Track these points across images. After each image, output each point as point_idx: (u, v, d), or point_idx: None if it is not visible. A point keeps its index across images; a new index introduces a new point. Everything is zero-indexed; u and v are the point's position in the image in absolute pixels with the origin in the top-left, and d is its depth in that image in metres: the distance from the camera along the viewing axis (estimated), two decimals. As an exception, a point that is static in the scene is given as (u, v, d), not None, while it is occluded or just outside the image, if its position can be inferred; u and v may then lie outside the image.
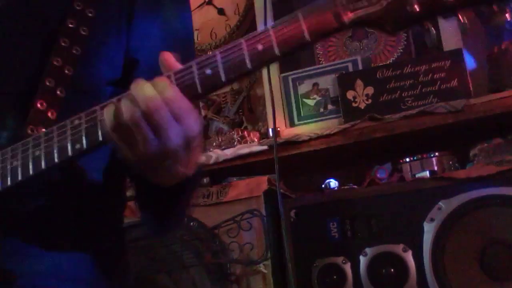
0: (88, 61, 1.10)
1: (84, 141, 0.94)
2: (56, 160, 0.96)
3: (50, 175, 1.02)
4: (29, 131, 1.03)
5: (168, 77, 0.90)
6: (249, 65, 0.88)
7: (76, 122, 0.95)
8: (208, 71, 0.89)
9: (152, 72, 0.92)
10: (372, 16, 0.86)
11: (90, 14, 1.12)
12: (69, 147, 0.95)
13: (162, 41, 1.16)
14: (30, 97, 1.05)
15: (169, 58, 0.91)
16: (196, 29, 2.86)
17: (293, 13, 0.88)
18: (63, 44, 1.09)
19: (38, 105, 1.05)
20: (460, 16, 0.85)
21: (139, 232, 2.09)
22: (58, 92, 1.07)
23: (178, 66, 0.91)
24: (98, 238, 1.14)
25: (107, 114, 0.89)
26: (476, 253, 1.81)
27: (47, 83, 1.06)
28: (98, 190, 1.14)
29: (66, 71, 1.08)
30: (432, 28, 0.89)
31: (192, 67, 0.90)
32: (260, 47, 0.88)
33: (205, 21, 2.85)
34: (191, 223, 2.08)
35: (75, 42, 1.09)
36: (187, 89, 0.89)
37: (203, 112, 2.72)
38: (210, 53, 0.92)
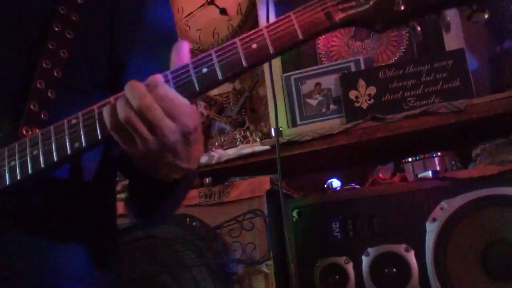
0: (75, 63, 1.12)
1: (83, 140, 0.95)
2: (55, 159, 0.97)
3: (45, 175, 1.03)
4: (24, 132, 1.04)
5: (165, 76, 0.92)
6: (244, 63, 0.91)
7: (74, 121, 0.97)
8: (205, 70, 0.92)
9: (140, 74, 0.94)
10: (361, 15, 0.89)
11: (74, 18, 1.14)
12: (68, 146, 0.96)
13: (146, 43, 1.18)
14: (22, 99, 1.07)
15: (183, 48, 0.93)
16: (198, 29, 2.86)
17: (287, 13, 0.92)
18: (50, 47, 1.10)
19: (31, 107, 1.06)
20: (443, 15, 0.88)
21: (141, 232, 2.10)
22: (49, 94, 1.08)
23: (189, 57, 0.93)
24: (93, 234, 1.15)
25: (105, 114, 0.92)
26: (478, 253, 1.81)
27: (38, 85, 1.08)
28: (92, 188, 1.15)
29: (55, 73, 1.09)
30: (418, 27, 0.93)
31: (188, 66, 0.93)
32: (254, 45, 0.91)
33: (207, 21, 2.85)
34: (194, 223, 2.08)
35: (62, 46, 1.11)
36: (185, 87, 0.92)
37: (205, 112, 2.72)
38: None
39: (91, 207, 1.16)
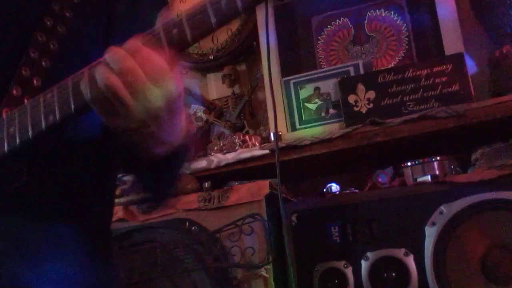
0: (65, 57, 1.11)
1: (57, 113, 0.93)
2: (29, 134, 0.96)
3: (35, 158, 1.02)
4: (3, 114, 1.03)
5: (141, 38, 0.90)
6: (213, 20, 0.88)
7: (49, 95, 0.95)
8: (174, 31, 0.89)
9: None
10: None
11: (68, 15, 1.13)
12: (42, 120, 0.95)
13: None
14: (6, 85, 1.06)
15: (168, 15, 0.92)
16: (197, 34, 2.86)
17: None
18: (39, 38, 1.10)
19: (14, 92, 1.05)
20: None
21: (140, 236, 2.10)
22: (35, 82, 1.07)
23: None
24: (82, 238, 1.14)
25: (82, 85, 0.89)
26: (478, 258, 1.81)
27: (23, 72, 1.07)
28: (86, 188, 1.14)
29: (43, 63, 1.09)
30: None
31: (159, 29, 0.90)
32: (223, 1, 0.88)
33: (206, 26, 2.85)
34: (193, 227, 2.08)
35: (52, 38, 1.10)
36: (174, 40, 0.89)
37: (204, 116, 2.72)
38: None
39: (83, 207, 1.15)
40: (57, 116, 0.93)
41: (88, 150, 1.13)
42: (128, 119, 0.88)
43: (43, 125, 0.95)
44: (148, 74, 0.86)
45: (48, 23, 1.11)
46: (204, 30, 0.90)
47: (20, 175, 1.04)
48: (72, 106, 0.92)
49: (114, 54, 0.87)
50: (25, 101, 1.04)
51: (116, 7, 1.18)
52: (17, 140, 0.97)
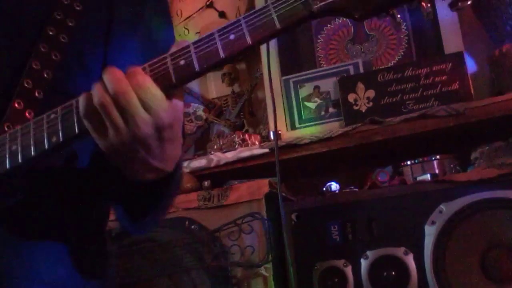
0: (67, 67, 1.11)
1: (60, 134, 0.94)
2: (32, 153, 0.96)
3: (32, 175, 1.02)
4: (6, 129, 1.03)
5: (143, 69, 0.91)
6: (222, 54, 0.90)
7: (52, 116, 0.96)
8: (182, 62, 0.91)
9: None
10: (340, 3, 0.88)
11: (70, 24, 1.13)
12: (45, 140, 0.95)
13: (141, 54, 1.15)
14: (8, 97, 1.06)
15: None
16: (197, 32, 2.86)
17: (265, 4, 0.91)
18: (42, 49, 1.10)
19: (16, 105, 1.05)
20: (423, 4, 0.88)
21: (140, 236, 2.10)
22: (36, 94, 1.07)
23: None
24: (77, 238, 1.13)
25: (80, 100, 0.90)
26: (477, 256, 1.81)
27: (25, 85, 1.07)
28: (81, 188, 1.13)
29: (45, 75, 1.09)
30: (398, 15, 0.92)
31: (166, 58, 0.92)
32: (232, 36, 0.90)
33: (206, 25, 2.85)
34: (192, 226, 2.08)
35: (54, 48, 1.11)
36: (161, 79, 0.90)
37: (204, 115, 2.73)
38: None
39: (78, 208, 1.14)
40: (61, 137, 0.94)
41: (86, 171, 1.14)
42: (117, 141, 0.89)
43: (46, 146, 0.95)
44: (141, 100, 0.87)
45: (51, 32, 1.11)
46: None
47: (16, 193, 1.05)
48: (76, 128, 0.93)
49: (112, 76, 0.88)
50: (27, 114, 1.05)
51: (118, 14, 1.17)
52: (19, 159, 0.97)
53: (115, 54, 1.15)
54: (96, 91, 0.88)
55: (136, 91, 0.87)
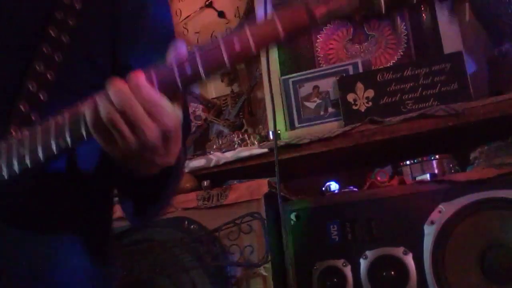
0: (70, 67, 1.12)
1: (68, 139, 0.96)
2: (41, 158, 0.97)
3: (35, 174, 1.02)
4: (13, 132, 1.04)
5: (149, 77, 0.92)
6: (227, 63, 0.91)
7: (60, 120, 0.97)
8: (188, 69, 0.92)
9: None
10: (344, 9, 0.88)
11: (71, 23, 1.14)
12: (53, 145, 0.96)
13: (149, 44, 1.18)
14: (14, 101, 1.07)
15: (181, 47, 0.93)
16: (196, 32, 2.86)
17: (270, 13, 0.92)
18: (44, 50, 1.10)
19: (21, 108, 1.07)
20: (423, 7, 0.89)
21: (139, 235, 2.10)
22: (41, 96, 1.08)
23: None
24: (83, 237, 1.14)
25: (87, 112, 0.92)
26: (476, 256, 1.81)
27: (30, 87, 1.08)
28: (86, 187, 1.14)
29: (49, 76, 1.10)
30: (398, 18, 0.92)
31: (172, 65, 0.92)
32: (237, 45, 0.90)
33: (205, 24, 2.85)
34: (192, 226, 2.08)
35: (57, 49, 1.11)
36: (167, 87, 0.92)
37: (203, 115, 2.72)
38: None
39: (83, 207, 1.15)
40: (69, 143, 0.96)
41: (92, 172, 1.15)
42: (125, 148, 0.92)
43: (55, 150, 0.97)
44: (147, 111, 0.89)
45: (52, 33, 1.11)
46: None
47: (19, 193, 1.06)
48: (84, 134, 0.95)
49: (117, 91, 0.89)
50: (33, 117, 1.06)
51: (122, 9, 1.18)
52: (28, 162, 0.98)
53: (126, 48, 1.17)
54: (103, 107, 0.89)
55: (143, 105, 0.89)
